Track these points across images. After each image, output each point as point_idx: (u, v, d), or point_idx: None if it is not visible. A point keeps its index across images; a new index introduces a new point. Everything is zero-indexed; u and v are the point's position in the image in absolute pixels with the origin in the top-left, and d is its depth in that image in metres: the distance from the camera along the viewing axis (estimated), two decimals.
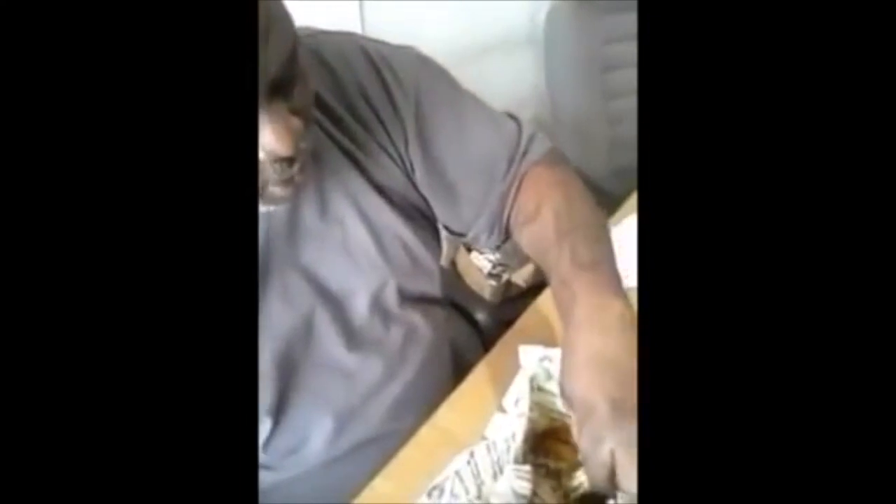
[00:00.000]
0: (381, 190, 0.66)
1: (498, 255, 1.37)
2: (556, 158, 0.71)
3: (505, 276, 1.37)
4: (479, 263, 1.38)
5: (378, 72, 0.66)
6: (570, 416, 0.65)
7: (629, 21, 1.48)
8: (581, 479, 0.57)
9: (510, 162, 0.69)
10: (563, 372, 0.54)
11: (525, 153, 0.69)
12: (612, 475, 0.50)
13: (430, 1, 1.36)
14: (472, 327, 0.99)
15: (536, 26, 1.51)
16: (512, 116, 0.73)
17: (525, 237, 0.67)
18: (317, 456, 0.66)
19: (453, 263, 1.47)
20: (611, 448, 0.49)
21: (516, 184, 0.69)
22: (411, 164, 0.68)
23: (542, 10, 1.51)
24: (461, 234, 0.73)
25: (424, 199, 0.70)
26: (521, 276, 1.38)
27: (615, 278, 0.58)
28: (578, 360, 0.53)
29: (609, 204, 1.10)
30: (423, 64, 0.69)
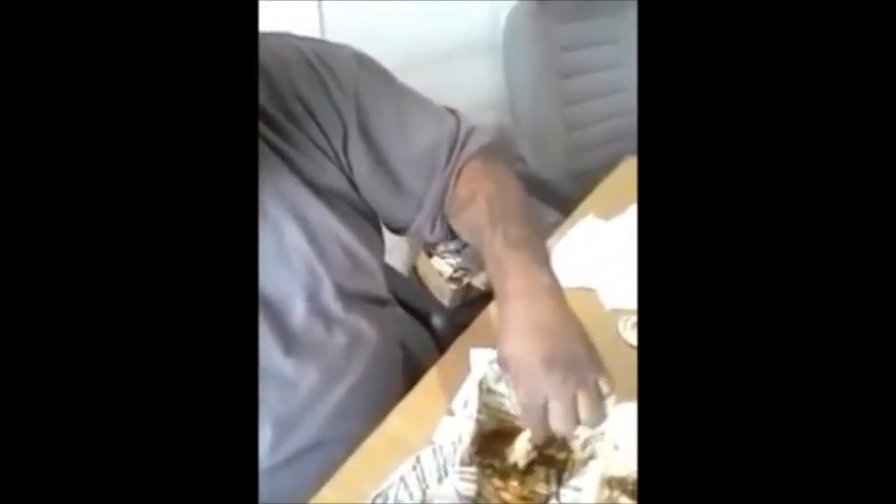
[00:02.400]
0: (316, 188, 0.66)
1: (459, 259, 1.38)
2: (492, 151, 0.73)
3: (466, 280, 1.37)
4: (440, 267, 1.39)
5: (314, 70, 0.66)
6: (518, 418, 0.66)
7: (587, 28, 1.50)
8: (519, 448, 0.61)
9: (449, 155, 0.71)
10: (499, 341, 0.58)
11: (463, 147, 0.71)
12: (546, 421, 0.55)
13: (391, 5, 1.36)
14: (427, 332, 0.99)
15: (496, 31, 1.52)
16: (451, 111, 0.74)
17: (461, 224, 0.69)
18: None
19: (414, 268, 1.47)
20: (545, 396, 0.54)
21: (454, 176, 0.71)
22: (349, 163, 0.68)
23: (503, 15, 1.52)
24: (403, 229, 0.74)
25: (364, 198, 0.70)
26: (482, 280, 1.38)
27: (543, 255, 0.63)
28: (511, 327, 0.58)
29: (566, 207, 1.11)
30: (360, 61, 0.70)
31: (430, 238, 0.74)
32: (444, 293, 1.37)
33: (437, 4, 1.45)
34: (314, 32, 1.25)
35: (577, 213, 1.01)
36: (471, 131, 0.72)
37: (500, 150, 0.76)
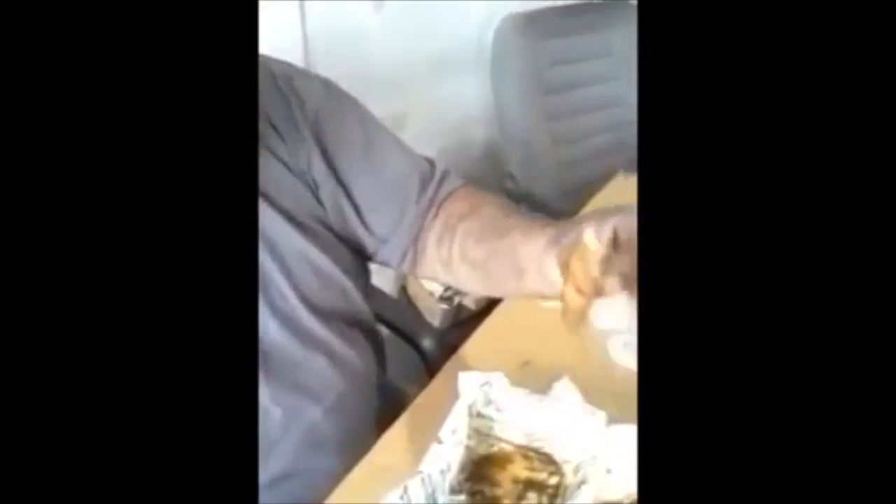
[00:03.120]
0: (279, 207, 0.65)
1: None
2: (475, 188, 0.74)
3: (456, 300, 1.36)
4: (431, 287, 1.38)
5: (278, 87, 0.66)
6: (508, 443, 0.64)
7: (574, 44, 1.51)
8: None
9: (422, 187, 0.70)
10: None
11: (441, 184, 0.71)
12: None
13: (378, 20, 1.36)
14: (417, 355, 0.97)
15: (485, 47, 1.53)
16: (427, 159, 0.74)
17: (461, 230, 0.68)
18: None
19: (403, 288, 1.46)
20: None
21: (433, 209, 0.70)
22: (316, 184, 0.67)
23: (491, 29, 1.52)
24: (371, 257, 0.73)
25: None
26: (472, 299, 1.37)
27: None
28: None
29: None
30: (327, 86, 0.70)
31: (398, 270, 0.74)
32: (435, 313, 1.36)
33: (427, 19, 1.44)
34: (296, 47, 1.24)
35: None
36: (446, 172, 0.73)
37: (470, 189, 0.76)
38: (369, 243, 0.72)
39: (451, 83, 1.55)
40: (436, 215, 0.70)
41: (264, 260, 0.64)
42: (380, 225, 0.70)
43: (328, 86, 0.70)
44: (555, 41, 1.47)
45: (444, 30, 1.50)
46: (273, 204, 0.64)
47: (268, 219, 0.64)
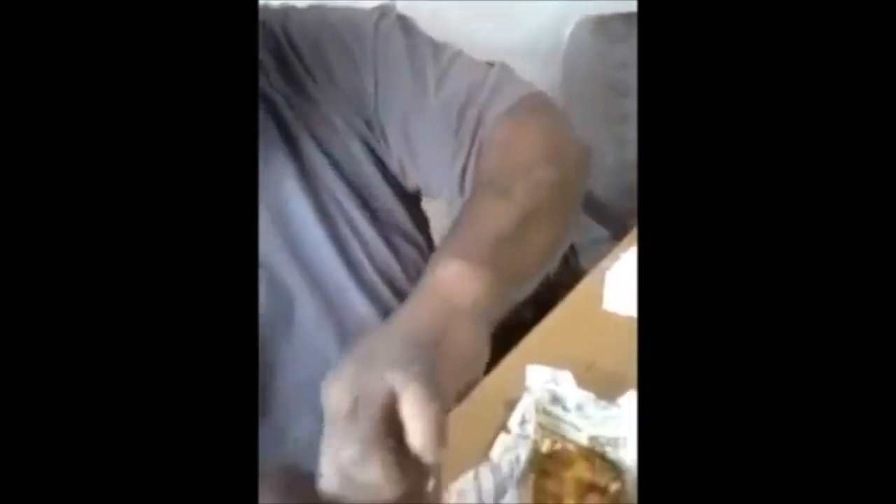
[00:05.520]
0: (359, 194, 0.66)
1: None
2: (531, 107, 0.64)
3: None
4: None
5: (344, 44, 0.66)
6: (573, 442, 0.65)
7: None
8: None
9: (460, 119, 0.62)
10: None
11: (487, 103, 0.63)
12: None
13: (457, 4, 1.36)
14: None
15: (559, 44, 1.53)
16: (490, 63, 0.67)
17: None
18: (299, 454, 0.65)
19: None
20: None
21: (476, 143, 0.62)
22: (382, 130, 0.67)
23: (565, 27, 1.52)
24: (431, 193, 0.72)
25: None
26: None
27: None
28: None
29: (616, 227, 1.11)
30: (383, 18, 0.68)
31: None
32: None
33: (504, 9, 1.45)
34: None
35: (628, 239, 0.99)
36: (500, 83, 0.64)
37: (544, 104, 0.67)
38: (426, 184, 0.69)
39: (519, 68, 1.56)
40: (480, 151, 0.62)
41: (353, 244, 0.66)
42: (428, 159, 0.66)
43: (384, 15, 0.68)
44: (623, 45, 1.48)
45: (520, 22, 1.50)
46: (352, 188, 0.66)
47: (352, 207, 0.66)
